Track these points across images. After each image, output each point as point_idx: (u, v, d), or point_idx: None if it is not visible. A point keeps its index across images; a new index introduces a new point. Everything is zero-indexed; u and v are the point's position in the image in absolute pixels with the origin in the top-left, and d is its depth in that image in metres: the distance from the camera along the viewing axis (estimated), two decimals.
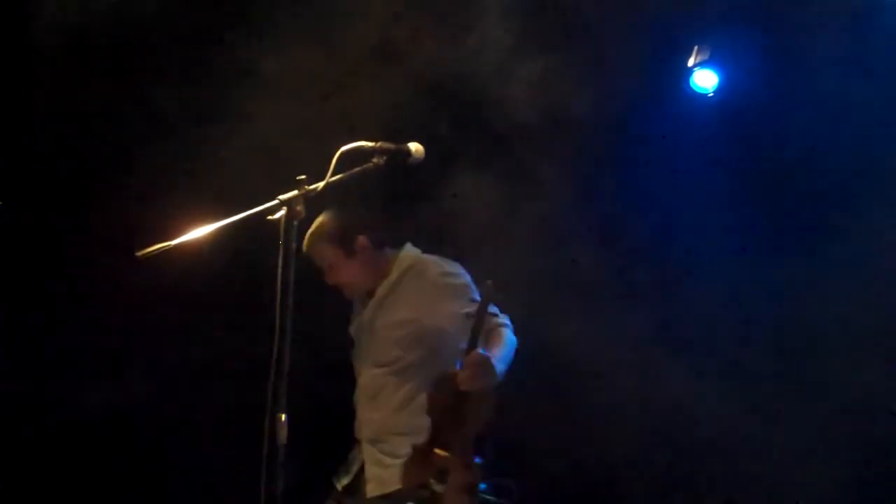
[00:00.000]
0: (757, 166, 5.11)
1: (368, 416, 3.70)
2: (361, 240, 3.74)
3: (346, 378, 3.89)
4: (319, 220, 3.73)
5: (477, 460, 3.27)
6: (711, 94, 5.24)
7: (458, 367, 3.31)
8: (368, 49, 4.57)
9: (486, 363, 3.26)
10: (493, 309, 3.50)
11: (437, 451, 3.30)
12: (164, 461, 4.87)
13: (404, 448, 3.47)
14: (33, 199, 4.77)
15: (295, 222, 2.75)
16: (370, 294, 3.78)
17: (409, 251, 3.82)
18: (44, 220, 4.81)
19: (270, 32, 4.56)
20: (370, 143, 3.02)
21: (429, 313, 3.57)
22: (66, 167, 4.85)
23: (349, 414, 3.82)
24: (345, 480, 3.71)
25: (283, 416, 2.63)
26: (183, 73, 4.72)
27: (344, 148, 2.92)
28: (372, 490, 3.60)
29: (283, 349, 2.64)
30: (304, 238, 3.58)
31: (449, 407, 3.29)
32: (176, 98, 4.67)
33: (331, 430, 3.99)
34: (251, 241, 2.91)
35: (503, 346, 3.41)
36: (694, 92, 5.26)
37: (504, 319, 3.57)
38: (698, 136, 5.17)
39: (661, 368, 4.86)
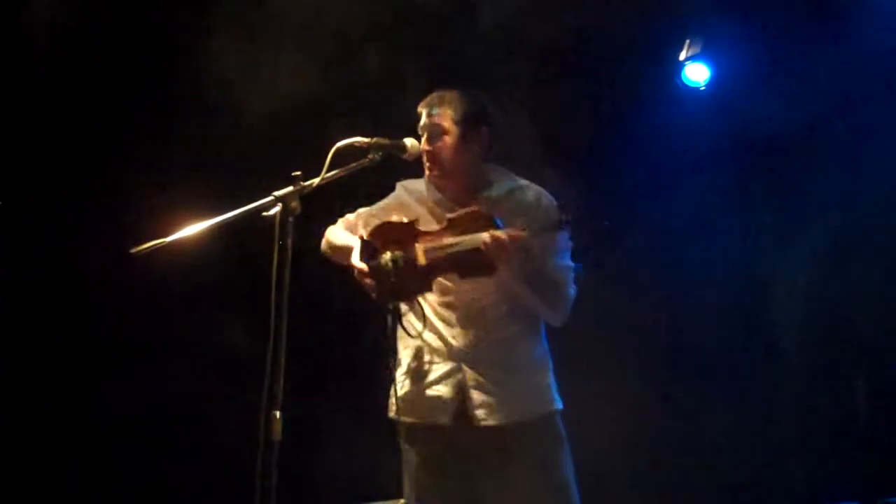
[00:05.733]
0: (749, 160, 5.12)
1: (468, 337, 3.28)
2: (485, 130, 3.33)
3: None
4: (452, 89, 3.37)
5: None
6: (703, 88, 5.25)
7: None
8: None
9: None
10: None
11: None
12: (161, 458, 4.87)
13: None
14: (33, 199, 4.76)
15: (290, 219, 2.74)
16: (456, 201, 3.34)
17: (505, 171, 3.45)
18: (43, 220, 4.80)
19: (267, 30, 4.55)
20: (365, 139, 3.01)
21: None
22: (65, 166, 4.84)
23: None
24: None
25: (278, 414, 2.62)
26: (181, 70, 4.73)
27: (339, 144, 2.92)
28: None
29: (277, 346, 2.63)
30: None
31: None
32: (175, 95, 4.68)
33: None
34: (246, 237, 2.90)
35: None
36: (686, 86, 5.27)
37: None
38: (690, 130, 5.18)
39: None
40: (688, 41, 5.22)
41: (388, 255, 3.17)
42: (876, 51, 4.82)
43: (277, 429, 2.60)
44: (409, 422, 3.33)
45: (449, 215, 3.22)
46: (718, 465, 4.84)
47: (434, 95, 3.34)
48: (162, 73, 4.82)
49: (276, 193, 2.74)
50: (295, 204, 2.75)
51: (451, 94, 3.34)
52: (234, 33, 4.56)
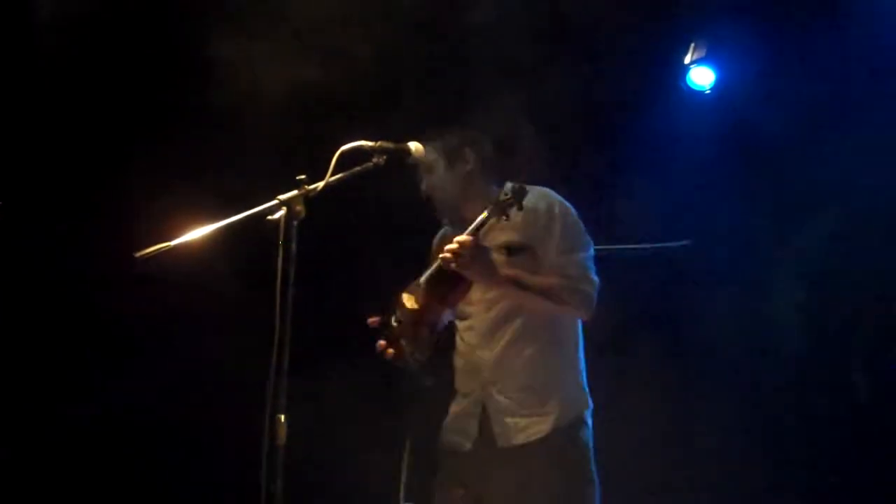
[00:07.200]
0: (754, 163, 5.12)
1: (485, 357, 3.32)
2: (468, 152, 3.39)
3: None
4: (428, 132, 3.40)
5: None
6: (708, 92, 5.25)
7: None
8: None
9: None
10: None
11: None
12: (163, 462, 4.88)
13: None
14: (33, 199, 4.77)
15: (294, 222, 2.74)
16: (462, 221, 3.32)
17: (514, 186, 3.33)
18: (44, 220, 4.81)
19: (271, 33, 4.56)
20: (370, 143, 3.01)
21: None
22: (65, 167, 4.85)
23: None
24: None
25: (283, 417, 2.62)
26: (183, 72, 4.73)
27: (343, 147, 2.92)
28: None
29: (282, 349, 2.63)
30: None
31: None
32: (176, 97, 4.68)
33: None
34: (251, 241, 2.90)
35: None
36: (691, 89, 5.26)
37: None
38: (695, 133, 5.17)
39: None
40: (693, 44, 5.22)
41: (387, 319, 3.28)
42: (879, 55, 4.82)
43: (282, 432, 2.61)
44: (440, 448, 3.40)
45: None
46: (714, 466, 4.84)
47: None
48: (166, 75, 4.82)
49: (281, 197, 2.75)
50: (299, 207, 2.75)
51: (427, 136, 3.33)
52: (237, 36, 4.56)
